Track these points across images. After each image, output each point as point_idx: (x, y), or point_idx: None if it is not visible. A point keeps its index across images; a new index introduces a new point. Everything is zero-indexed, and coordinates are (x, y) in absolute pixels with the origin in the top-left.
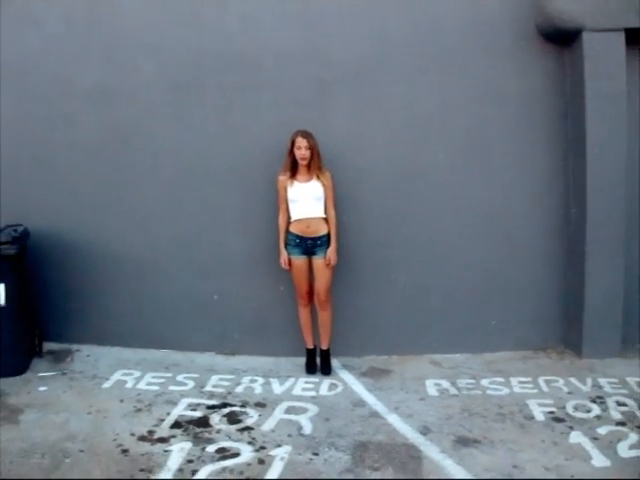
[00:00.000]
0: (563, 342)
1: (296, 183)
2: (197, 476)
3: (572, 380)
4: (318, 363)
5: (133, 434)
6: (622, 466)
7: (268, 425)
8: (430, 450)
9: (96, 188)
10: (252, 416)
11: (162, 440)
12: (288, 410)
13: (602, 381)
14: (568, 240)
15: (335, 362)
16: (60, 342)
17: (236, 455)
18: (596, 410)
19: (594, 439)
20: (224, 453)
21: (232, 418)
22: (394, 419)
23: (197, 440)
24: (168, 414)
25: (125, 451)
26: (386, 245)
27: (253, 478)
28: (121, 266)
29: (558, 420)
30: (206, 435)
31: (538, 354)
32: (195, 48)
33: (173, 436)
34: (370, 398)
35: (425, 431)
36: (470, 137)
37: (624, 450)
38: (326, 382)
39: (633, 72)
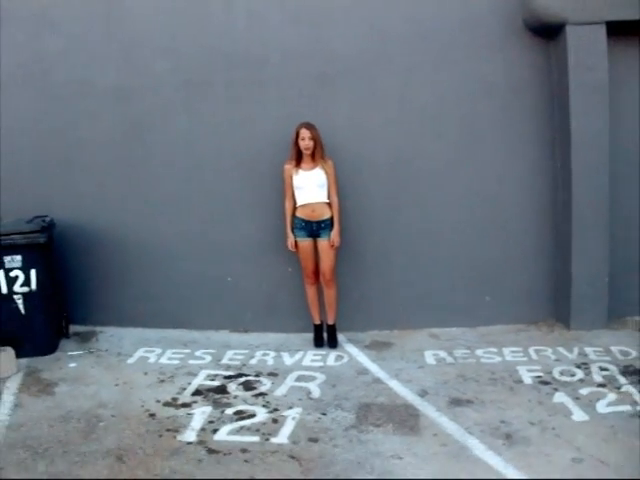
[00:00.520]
0: (553, 316)
1: (301, 171)
2: (218, 434)
3: (560, 349)
4: (325, 338)
5: (158, 401)
6: (599, 420)
7: (280, 391)
8: (427, 409)
9: (115, 180)
10: (265, 384)
11: (185, 405)
12: (298, 378)
13: (588, 350)
14: (556, 222)
15: (341, 336)
16: (85, 325)
17: (252, 416)
18: (580, 374)
19: (576, 399)
20: (241, 415)
21: (247, 386)
22: (395, 384)
23: (217, 405)
24: (189, 384)
25: (152, 415)
26: (386, 228)
27: (268, 433)
28: (140, 253)
29: (544, 383)
30: (224, 400)
31: (530, 327)
32: (204, 47)
33: (195, 402)
34: (373, 367)
35: (423, 394)
36: (463, 126)
37: (602, 407)
38: (333, 354)
39: (615, 63)
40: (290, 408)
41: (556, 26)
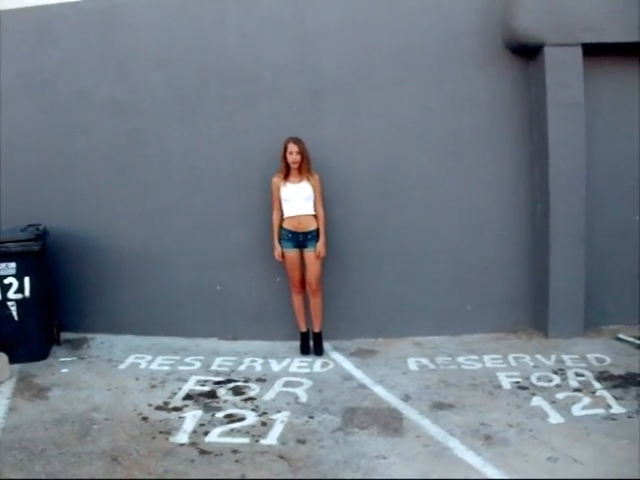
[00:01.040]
0: (532, 325)
1: (288, 184)
2: (209, 436)
3: (538, 357)
4: (311, 346)
5: (150, 405)
6: (574, 422)
7: (269, 396)
8: (410, 413)
9: (109, 190)
10: (254, 389)
11: (176, 409)
12: (286, 384)
13: (565, 357)
14: (534, 233)
15: (326, 344)
16: (75, 332)
17: (242, 419)
18: (557, 380)
19: (552, 402)
20: (231, 418)
21: (237, 391)
22: (379, 389)
23: (207, 408)
24: (180, 389)
25: (145, 418)
26: (371, 239)
27: (258, 435)
28: (131, 261)
29: (523, 388)
30: (215, 404)
31: (509, 336)
32: (199, 63)
33: (186, 406)
34: (358, 373)
35: (406, 398)
36: (446, 140)
37: (577, 410)
38: (319, 361)
39: (590, 82)
40: (278, 412)
41: (535, 47)
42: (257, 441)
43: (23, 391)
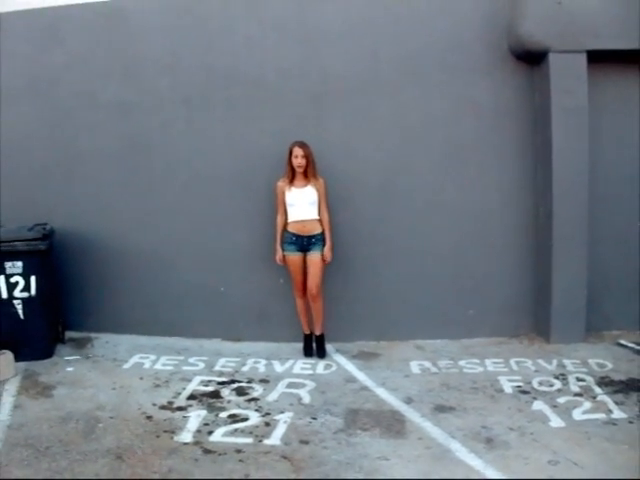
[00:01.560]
0: (534, 329)
1: (293, 189)
2: (213, 435)
3: (539, 361)
4: (314, 348)
5: (155, 404)
6: (575, 426)
7: (272, 397)
8: (412, 415)
9: (114, 191)
10: (257, 390)
11: (180, 408)
12: (289, 385)
13: (566, 362)
14: (537, 237)
15: (329, 347)
16: (80, 331)
17: (245, 419)
18: (558, 385)
19: (554, 406)
20: (235, 418)
21: (240, 391)
22: (381, 392)
23: (211, 408)
24: (184, 389)
25: (149, 417)
26: (374, 242)
27: (261, 435)
28: (136, 262)
29: (524, 392)
30: (218, 404)
31: (511, 340)
32: (204, 66)
33: (190, 405)
34: (360, 375)
35: (408, 401)
36: (450, 145)
37: (578, 415)
38: (322, 363)
39: (594, 88)
40: (282, 412)
41: (540, 53)
42: (260, 441)
43: (28, 389)
